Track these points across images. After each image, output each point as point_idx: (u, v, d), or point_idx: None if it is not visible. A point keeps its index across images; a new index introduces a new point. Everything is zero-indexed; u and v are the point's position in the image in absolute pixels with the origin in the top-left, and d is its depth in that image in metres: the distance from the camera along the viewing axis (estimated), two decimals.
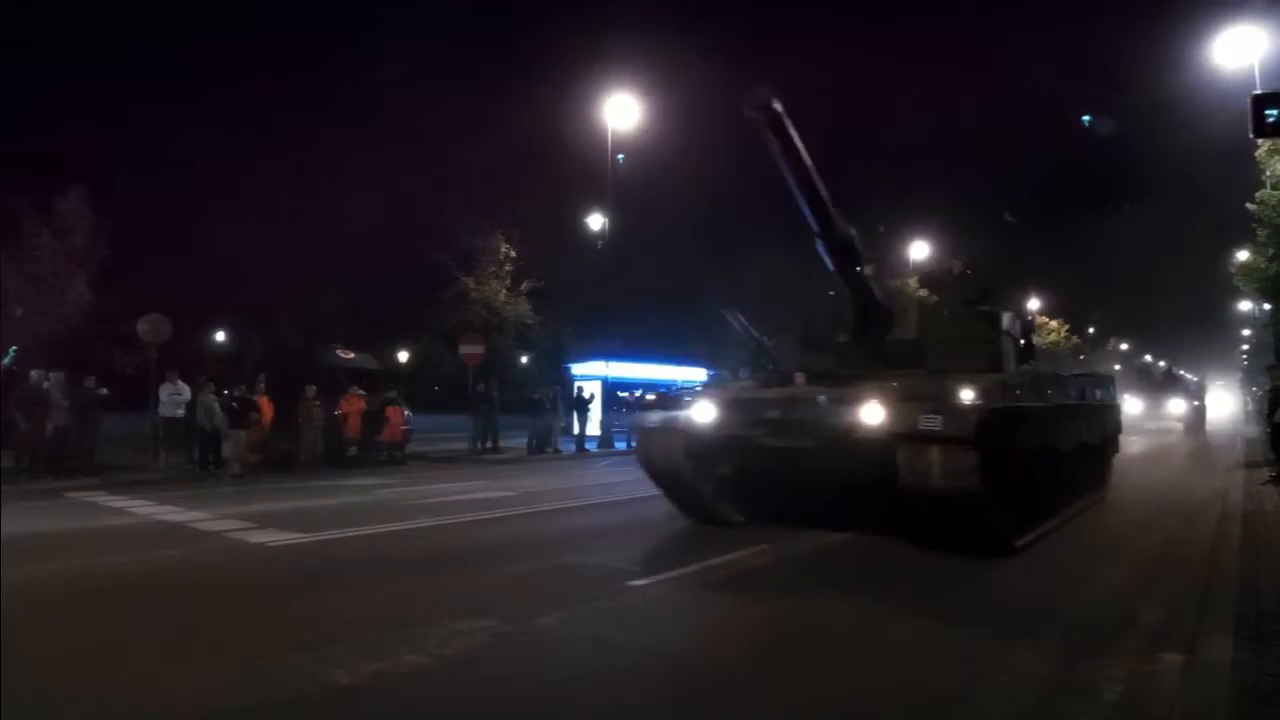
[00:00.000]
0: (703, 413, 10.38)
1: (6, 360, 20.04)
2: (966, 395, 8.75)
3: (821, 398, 9.67)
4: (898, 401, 8.92)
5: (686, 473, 10.48)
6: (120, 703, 4.82)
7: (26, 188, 21.21)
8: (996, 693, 5.05)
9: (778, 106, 8.80)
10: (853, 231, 10.08)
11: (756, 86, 8.70)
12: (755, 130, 8.97)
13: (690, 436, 10.37)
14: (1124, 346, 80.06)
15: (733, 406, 10.31)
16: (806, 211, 9.76)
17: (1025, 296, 59.15)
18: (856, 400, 9.21)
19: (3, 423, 16.05)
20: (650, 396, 12.43)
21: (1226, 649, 5.37)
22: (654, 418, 11.23)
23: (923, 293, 38.21)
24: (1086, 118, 42.70)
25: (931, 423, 8.26)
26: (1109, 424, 14.50)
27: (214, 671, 5.27)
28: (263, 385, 19.00)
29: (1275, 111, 7.12)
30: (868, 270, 10.75)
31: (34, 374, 16.97)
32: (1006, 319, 11.64)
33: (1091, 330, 73.46)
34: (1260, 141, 17.46)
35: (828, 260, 10.34)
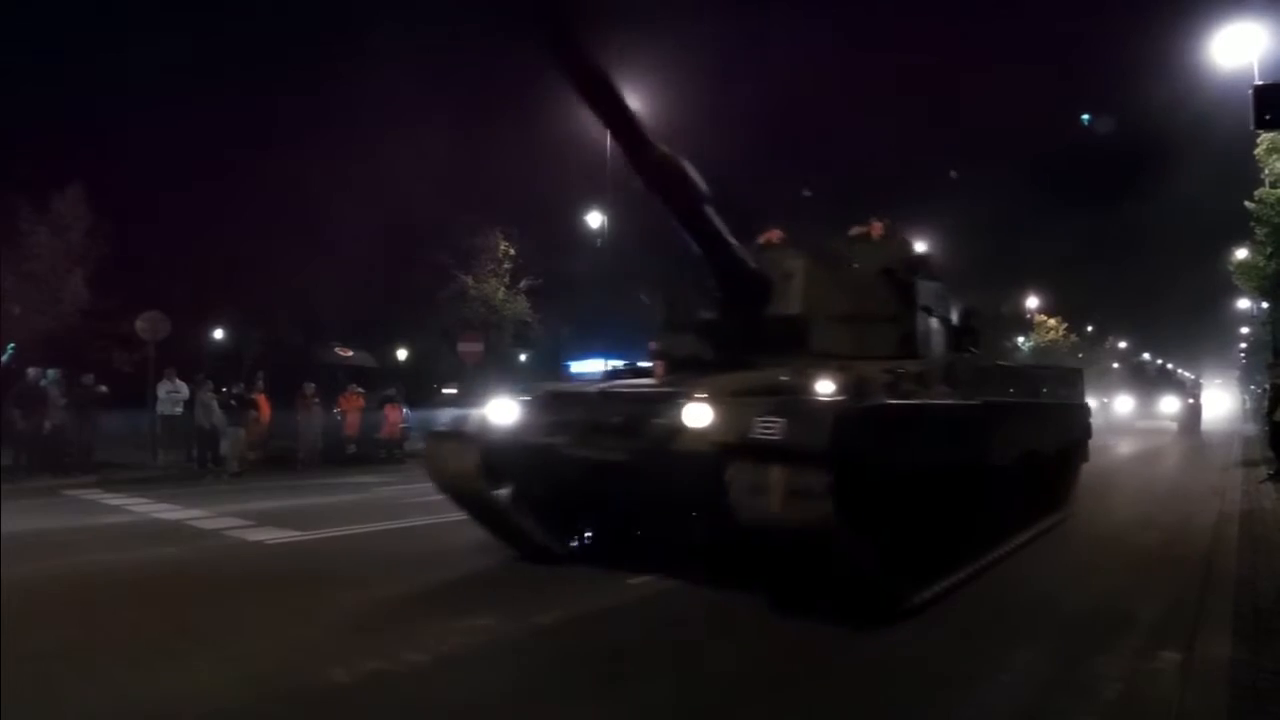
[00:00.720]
0: (500, 413, 7.95)
1: (4, 358, 20.04)
2: (825, 389, 6.43)
3: (613, 394, 7.68)
4: (729, 398, 6.58)
5: (486, 493, 7.97)
6: (118, 701, 4.81)
7: (24, 185, 21.21)
8: (995, 691, 5.05)
9: None
10: (684, 161, 7.33)
11: None
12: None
13: (487, 445, 7.86)
14: (1122, 344, 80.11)
15: (537, 406, 7.88)
16: (608, 131, 7.82)
17: (1024, 294, 59.27)
18: (681, 397, 6.85)
19: (1, 420, 16.04)
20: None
21: (1225, 647, 5.37)
22: (445, 419, 8.95)
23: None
24: (1086, 116, 42.73)
25: (768, 429, 5.81)
26: (1073, 427, 12.09)
27: (212, 670, 5.27)
28: (261, 383, 19.01)
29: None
30: (715, 216, 7.91)
31: (31, 372, 16.97)
32: (928, 291, 9.23)
33: (1090, 328, 73.57)
34: (1259, 140, 17.47)
35: (660, 202, 7.71)
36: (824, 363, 7.15)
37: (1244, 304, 45.99)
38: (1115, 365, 49.26)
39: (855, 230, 9.61)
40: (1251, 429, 32.06)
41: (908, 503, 6.66)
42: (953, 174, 44.10)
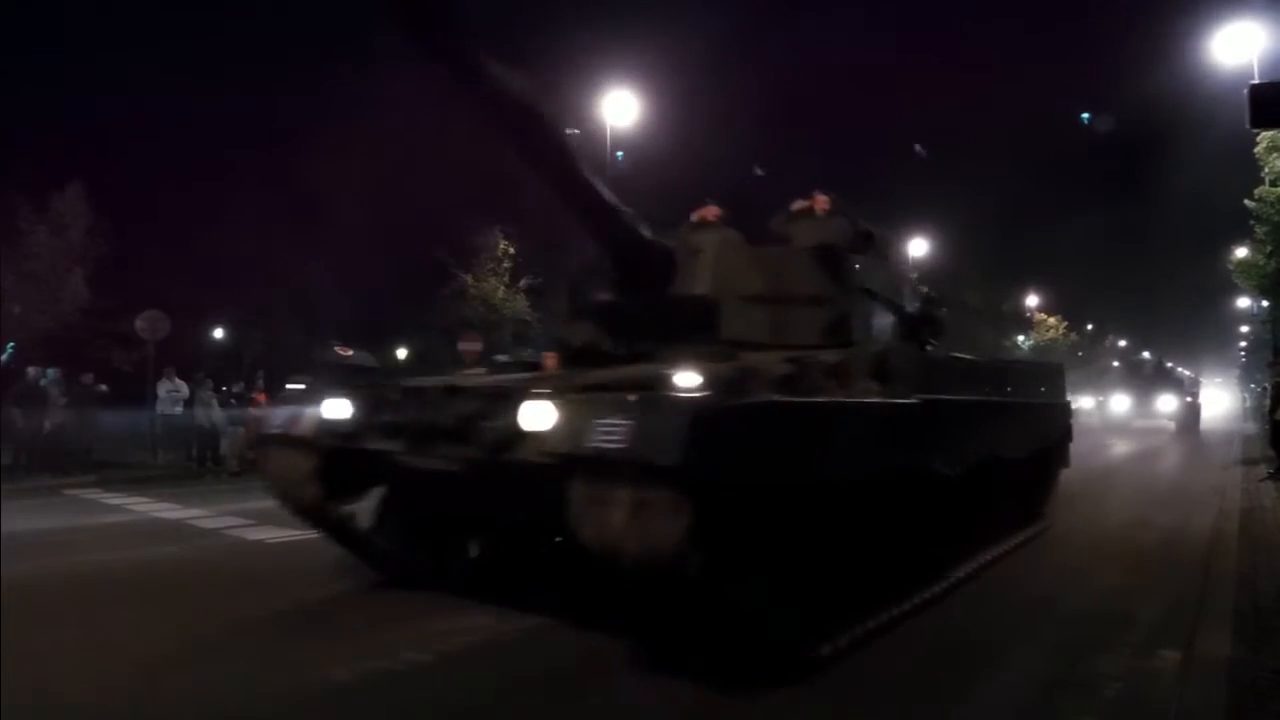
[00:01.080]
0: (335, 411, 6.46)
1: (4, 357, 20.05)
2: (689, 382, 5.01)
3: (455, 390, 6.11)
4: (574, 396, 5.16)
5: (329, 508, 6.79)
6: (118, 700, 4.82)
7: (23, 184, 21.21)
8: (995, 689, 5.05)
9: None
10: (524, 83, 5.80)
11: None
12: None
13: (325, 450, 6.47)
14: (1122, 343, 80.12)
15: (375, 403, 6.37)
16: (408, 38, 5.71)
17: (1024, 292, 59.31)
18: (521, 394, 5.46)
19: (1, 420, 16.04)
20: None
21: (1225, 646, 5.38)
22: (278, 418, 7.15)
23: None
24: (1085, 115, 42.75)
25: (610, 434, 4.57)
26: (1050, 429, 10.78)
27: (212, 669, 5.28)
28: (261, 382, 19.00)
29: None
30: (594, 178, 6.55)
31: (31, 371, 16.98)
32: (871, 272, 7.93)
33: (1090, 327, 73.57)
34: (1259, 138, 17.47)
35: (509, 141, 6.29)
36: (729, 352, 6.04)
37: (1244, 302, 45.99)
38: (1115, 364, 48.98)
39: (797, 204, 8.84)
40: (1252, 427, 32.04)
41: (814, 525, 5.43)
42: (918, 148, 42.99)
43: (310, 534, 9.57)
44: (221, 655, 5.55)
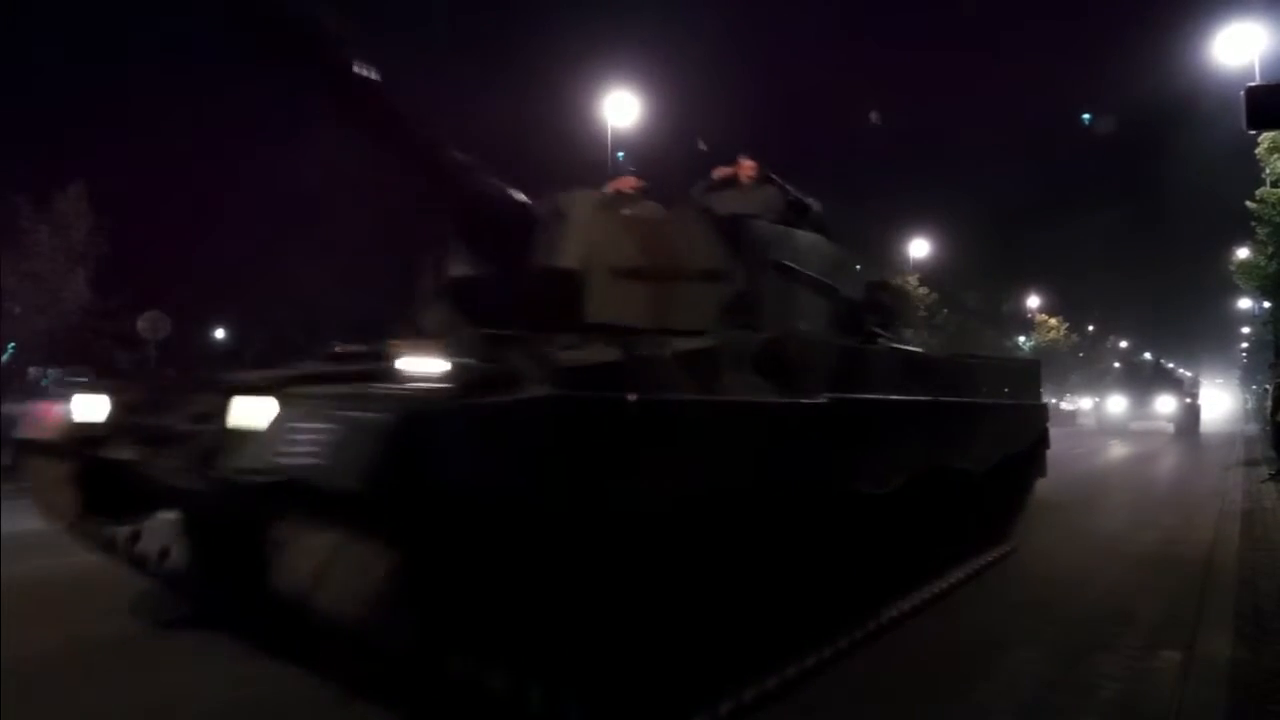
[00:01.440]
0: (87, 410, 5.21)
1: (4, 357, 20.06)
2: (423, 370, 3.72)
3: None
4: (295, 390, 3.90)
5: (99, 529, 5.69)
6: (117, 700, 4.81)
7: (25, 184, 21.25)
8: (994, 690, 5.05)
9: None
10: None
11: None
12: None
13: (86, 459, 5.04)
14: (1124, 344, 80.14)
15: (128, 400, 5.09)
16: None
17: (1024, 293, 59.34)
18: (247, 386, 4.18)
19: (1, 420, 16.04)
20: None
21: (1225, 647, 5.37)
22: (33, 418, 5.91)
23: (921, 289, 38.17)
24: (1086, 116, 42.80)
25: (301, 446, 3.28)
26: (1020, 435, 9.11)
27: (209, 668, 5.25)
28: None
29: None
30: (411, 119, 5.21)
31: (32, 370, 16.99)
32: (784, 241, 6.52)
33: (1091, 328, 73.57)
34: (1260, 139, 17.48)
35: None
36: (600, 336, 4.81)
37: (1245, 304, 46.01)
38: (1116, 365, 48.92)
39: (719, 171, 7.74)
40: (1253, 429, 32.00)
41: (645, 566, 3.98)
42: (873, 115, 42.28)
43: None
44: (221, 654, 5.51)
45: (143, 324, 18.58)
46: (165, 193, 33.42)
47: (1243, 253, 24.17)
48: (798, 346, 5.59)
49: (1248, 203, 18.90)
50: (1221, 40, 19.22)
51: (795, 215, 7.16)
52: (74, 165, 23.54)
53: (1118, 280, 75.37)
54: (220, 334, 38.24)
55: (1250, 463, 19.18)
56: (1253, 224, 19.39)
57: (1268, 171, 18.46)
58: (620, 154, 26.25)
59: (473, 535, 3.21)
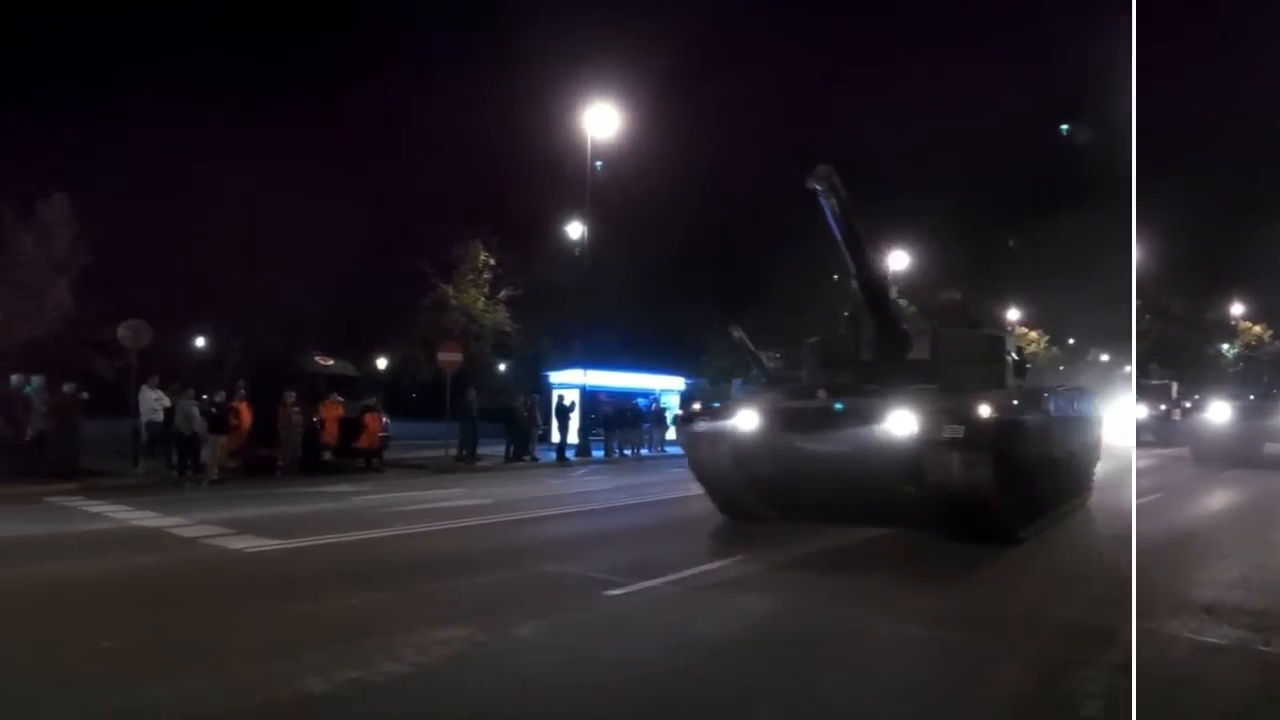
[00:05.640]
0: (746, 421, 11.36)
1: None
2: (984, 409, 9.54)
3: (840, 407, 10.70)
4: (925, 413, 9.79)
5: (729, 474, 11.71)
6: (97, 708, 4.94)
7: (9, 194, 21.27)
8: (987, 692, 5.22)
9: (836, 180, 9.45)
10: (885, 271, 11.92)
11: (819, 164, 9.28)
12: (811, 199, 9.73)
13: (736, 442, 11.37)
14: (1104, 358, 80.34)
15: (774, 415, 11.25)
16: (849, 258, 10.58)
17: (1003, 306, 59.48)
18: (887, 411, 10.06)
19: None
20: (696, 406, 13.14)
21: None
22: (701, 425, 12.11)
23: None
24: (1064, 126, 43.13)
25: (955, 431, 9.40)
26: (1091, 435, 14.97)
27: (189, 677, 5.38)
28: (242, 391, 19.04)
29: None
30: (894, 296, 12.36)
31: (14, 378, 17.01)
32: (1008, 342, 13.78)
33: (1071, 341, 73.79)
34: None
35: (862, 295, 11.27)
36: (953, 392, 10.74)
37: None
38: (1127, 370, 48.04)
39: (939, 298, 13.50)
40: None
41: (1023, 478, 11.07)
42: (1011, 244, 44.58)
43: (289, 543, 9.70)
44: (200, 663, 5.64)
45: (124, 332, 18.60)
46: (148, 202, 33.34)
47: None
48: (1040, 392, 13.04)
49: None
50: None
51: (976, 321, 14.65)
52: (58, 175, 23.58)
53: (1097, 292, 75.41)
54: (200, 343, 38.17)
55: None
56: None
57: None
58: (599, 163, 26.46)
59: (1007, 458, 9.82)
